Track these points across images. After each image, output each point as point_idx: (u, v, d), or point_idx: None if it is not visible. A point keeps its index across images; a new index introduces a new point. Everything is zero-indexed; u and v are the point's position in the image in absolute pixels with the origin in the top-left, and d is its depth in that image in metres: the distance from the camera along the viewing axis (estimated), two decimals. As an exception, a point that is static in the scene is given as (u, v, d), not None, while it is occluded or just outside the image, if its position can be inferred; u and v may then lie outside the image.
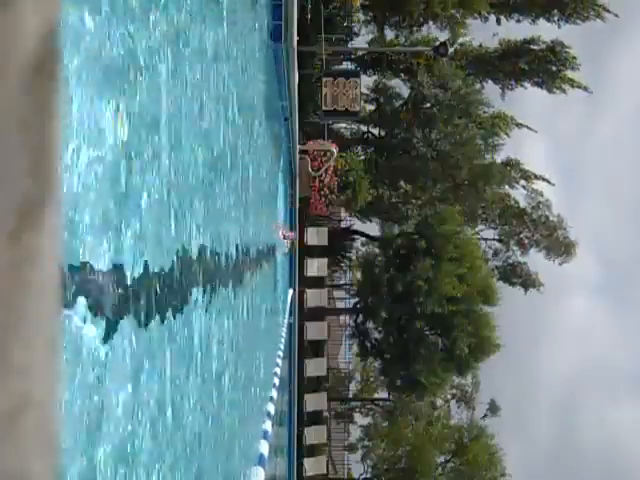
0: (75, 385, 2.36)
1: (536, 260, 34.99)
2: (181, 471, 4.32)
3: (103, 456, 2.70)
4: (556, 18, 33.29)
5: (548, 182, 34.46)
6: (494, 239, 35.05)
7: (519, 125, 33.56)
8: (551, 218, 33.87)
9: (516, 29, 34.22)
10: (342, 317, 33.92)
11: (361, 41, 33.00)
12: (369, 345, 31.16)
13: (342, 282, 35.76)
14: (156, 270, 3.40)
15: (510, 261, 34.61)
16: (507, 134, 32.58)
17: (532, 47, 32.68)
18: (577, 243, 33.98)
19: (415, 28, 33.16)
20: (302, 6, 23.73)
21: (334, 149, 26.56)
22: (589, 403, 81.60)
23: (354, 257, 35.16)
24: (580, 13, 32.78)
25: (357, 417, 36.38)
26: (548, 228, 33.71)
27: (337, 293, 35.48)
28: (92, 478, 2.57)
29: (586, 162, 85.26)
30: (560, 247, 33.71)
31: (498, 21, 34.07)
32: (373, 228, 34.56)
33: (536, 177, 34.15)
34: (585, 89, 33.00)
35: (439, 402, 34.77)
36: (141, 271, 3.19)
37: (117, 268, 2.85)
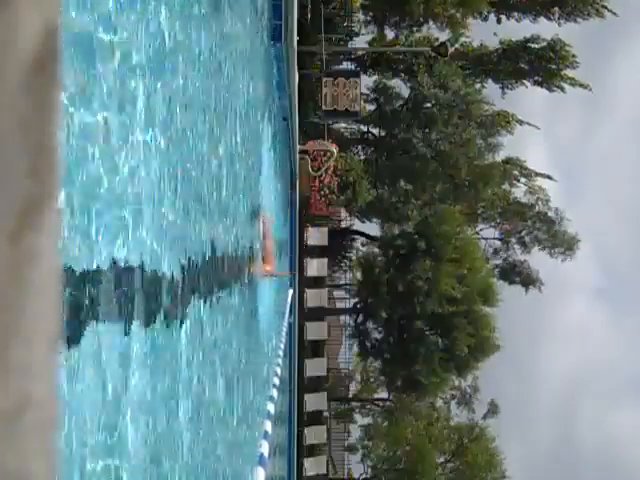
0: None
1: (537, 262, 35.02)
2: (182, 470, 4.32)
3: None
4: (557, 16, 33.29)
5: (550, 178, 34.47)
6: (495, 238, 35.05)
7: (521, 122, 33.53)
8: (549, 213, 33.91)
9: (517, 28, 34.24)
10: (342, 317, 33.91)
11: (361, 41, 33.03)
12: (369, 345, 31.15)
13: (342, 282, 35.73)
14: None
15: (511, 259, 34.62)
16: (509, 131, 32.57)
17: (532, 46, 32.65)
18: (579, 239, 33.96)
19: (415, 28, 33.15)
20: (302, 6, 23.72)
21: (334, 149, 26.53)
22: (589, 405, 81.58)
23: (354, 257, 35.14)
24: (580, 11, 32.78)
25: (357, 417, 36.37)
26: (547, 223, 33.72)
27: (337, 293, 35.46)
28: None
29: (586, 164, 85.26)
30: (562, 243, 33.71)
31: (499, 20, 34.08)
32: (373, 228, 34.59)
33: (537, 174, 34.15)
34: (585, 87, 32.97)
35: (439, 403, 34.77)
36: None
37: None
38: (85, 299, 2.79)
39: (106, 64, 2.89)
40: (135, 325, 3.35)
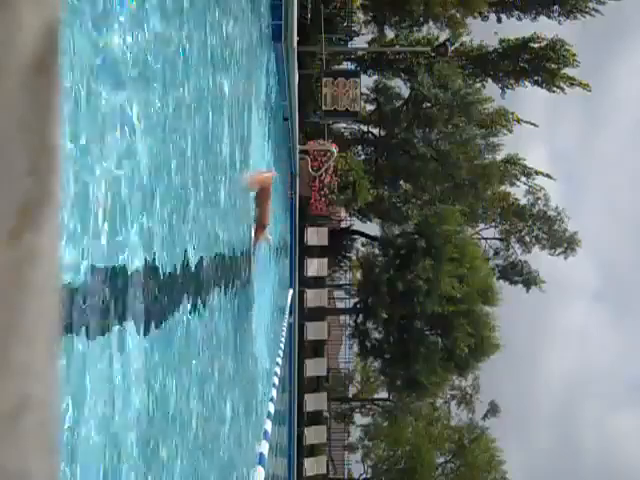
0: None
1: (538, 264, 35.03)
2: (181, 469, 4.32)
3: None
4: (557, 14, 33.32)
5: (549, 177, 34.46)
6: (495, 238, 35.06)
7: (520, 121, 33.50)
8: (549, 212, 33.92)
9: (517, 27, 34.31)
10: (342, 317, 33.91)
11: (361, 41, 33.03)
12: (369, 345, 31.14)
13: (342, 282, 35.73)
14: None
15: (511, 259, 34.62)
16: (509, 130, 32.55)
17: (532, 45, 32.66)
18: (579, 238, 33.95)
19: (415, 28, 33.17)
20: (302, 6, 23.71)
21: (334, 149, 26.54)
22: (589, 405, 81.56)
23: (354, 257, 35.14)
24: (579, 8, 32.81)
25: (357, 417, 36.39)
26: (547, 221, 33.73)
27: (337, 293, 35.48)
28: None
29: (586, 165, 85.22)
30: (562, 242, 33.71)
31: (499, 20, 34.10)
32: (373, 228, 34.58)
33: (537, 173, 34.16)
34: (585, 87, 32.94)
35: (439, 403, 34.78)
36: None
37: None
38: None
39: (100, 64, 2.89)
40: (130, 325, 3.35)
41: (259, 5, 10.87)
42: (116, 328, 2.99)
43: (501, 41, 33.17)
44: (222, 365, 6.33)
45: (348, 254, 35.43)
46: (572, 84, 32.69)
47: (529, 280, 34.08)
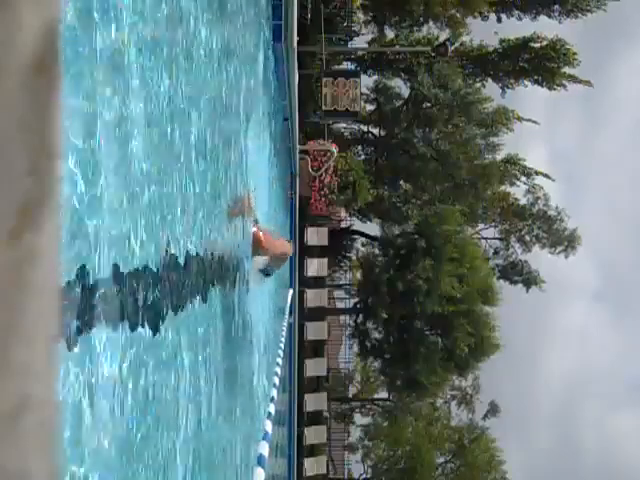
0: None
1: (538, 264, 35.04)
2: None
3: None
4: (557, 14, 33.30)
5: (548, 177, 34.47)
6: (495, 238, 35.07)
7: (520, 119, 33.48)
8: (549, 212, 33.93)
9: (517, 26, 34.30)
10: (342, 317, 33.91)
11: (361, 41, 33.03)
12: (369, 345, 31.14)
13: (342, 282, 35.74)
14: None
15: (511, 259, 34.62)
16: (509, 129, 32.53)
17: (532, 45, 32.65)
18: (579, 235, 33.95)
19: (415, 28, 33.17)
20: (302, 6, 23.71)
21: (334, 149, 26.54)
22: (589, 405, 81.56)
23: (354, 257, 35.15)
24: (580, 7, 32.79)
25: (357, 417, 36.40)
26: (547, 221, 33.73)
27: (337, 293, 35.48)
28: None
29: (586, 165, 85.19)
30: (562, 240, 33.70)
31: (499, 20, 34.10)
32: (373, 228, 34.59)
33: (537, 173, 34.16)
34: (586, 84, 32.89)
35: (439, 403, 34.79)
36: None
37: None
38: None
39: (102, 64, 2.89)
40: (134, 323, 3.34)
41: (259, 5, 10.87)
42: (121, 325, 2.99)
43: (501, 41, 33.15)
44: (222, 366, 6.33)
45: (348, 254, 35.44)
46: (573, 81, 32.66)
47: (529, 280, 34.07)
